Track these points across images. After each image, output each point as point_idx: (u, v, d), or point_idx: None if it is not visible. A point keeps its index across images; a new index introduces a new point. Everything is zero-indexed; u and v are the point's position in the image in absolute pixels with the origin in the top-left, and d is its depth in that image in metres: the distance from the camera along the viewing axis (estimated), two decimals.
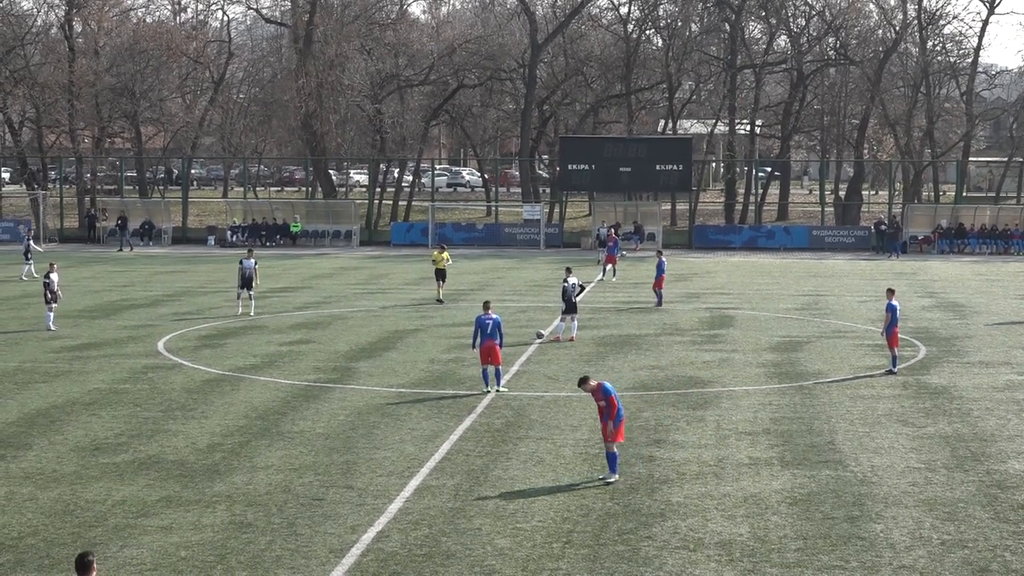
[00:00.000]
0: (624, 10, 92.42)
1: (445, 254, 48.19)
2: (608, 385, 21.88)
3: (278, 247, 75.89)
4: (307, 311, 44.44)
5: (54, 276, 40.05)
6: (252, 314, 43.22)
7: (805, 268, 64.60)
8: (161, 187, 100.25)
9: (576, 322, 38.04)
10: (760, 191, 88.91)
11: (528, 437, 24.86)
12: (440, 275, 47.39)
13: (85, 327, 40.19)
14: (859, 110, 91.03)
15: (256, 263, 43.99)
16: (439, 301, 46.85)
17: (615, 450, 21.69)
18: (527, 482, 21.56)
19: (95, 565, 12.88)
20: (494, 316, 29.39)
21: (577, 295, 38.32)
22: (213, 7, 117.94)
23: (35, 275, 54.98)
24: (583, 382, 21.98)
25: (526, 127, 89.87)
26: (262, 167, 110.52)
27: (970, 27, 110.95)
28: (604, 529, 19.00)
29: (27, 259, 56.16)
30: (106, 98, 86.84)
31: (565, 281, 38.00)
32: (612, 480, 21.44)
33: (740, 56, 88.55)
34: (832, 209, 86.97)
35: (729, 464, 22.83)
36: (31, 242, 58.15)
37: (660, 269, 47.21)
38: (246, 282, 43.33)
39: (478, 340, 29.14)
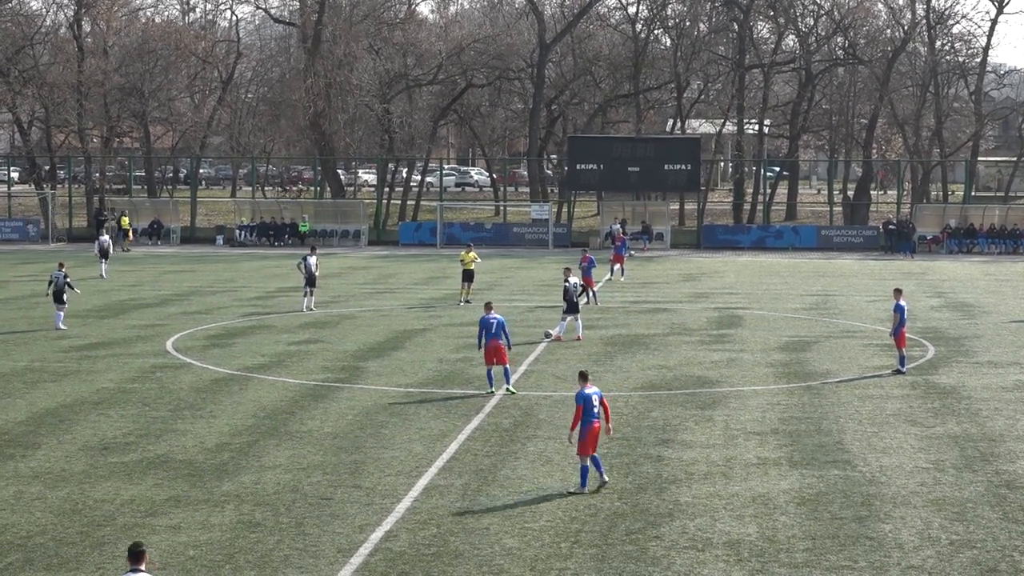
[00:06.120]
0: (632, 10, 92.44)
1: (472, 253, 47.85)
2: (584, 392, 21.05)
3: (286, 247, 75.92)
4: (315, 310, 44.46)
5: (60, 275, 40.12)
6: (313, 308, 44.20)
7: (814, 268, 64.54)
8: (169, 187, 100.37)
9: (580, 321, 38.04)
10: (768, 191, 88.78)
11: (536, 437, 24.86)
12: (468, 276, 46.79)
13: (94, 326, 40.25)
14: (868, 110, 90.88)
15: (317, 260, 45.00)
16: (466, 302, 46.13)
17: (583, 463, 20.95)
18: (535, 482, 21.56)
19: (147, 555, 13.21)
20: (497, 316, 29.45)
21: (579, 295, 38.43)
22: (222, 7, 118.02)
23: (104, 277, 55.47)
24: (583, 378, 21.57)
25: (534, 127, 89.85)
26: (270, 167, 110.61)
27: (979, 26, 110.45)
28: (612, 529, 18.99)
29: (103, 259, 56.74)
30: (115, 98, 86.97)
31: (566, 281, 38.12)
32: (573, 491, 20.85)
33: (748, 56, 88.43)
34: (841, 209, 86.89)
35: (737, 464, 22.81)
36: (106, 237, 58.67)
37: (588, 271, 45.91)
38: (310, 279, 44.25)
39: (483, 340, 29.18)
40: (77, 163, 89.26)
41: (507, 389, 29.13)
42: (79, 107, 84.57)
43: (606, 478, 21.25)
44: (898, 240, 74.02)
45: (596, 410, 21.05)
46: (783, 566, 17.42)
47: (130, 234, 74.55)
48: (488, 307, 29.86)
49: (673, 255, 73.15)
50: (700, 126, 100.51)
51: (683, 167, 75.62)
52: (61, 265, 41.25)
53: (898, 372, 32.10)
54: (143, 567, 13.00)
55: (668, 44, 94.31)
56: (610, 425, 21.59)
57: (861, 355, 35.24)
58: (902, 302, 32.46)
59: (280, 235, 78.22)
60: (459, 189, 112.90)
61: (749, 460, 23.09)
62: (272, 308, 45.56)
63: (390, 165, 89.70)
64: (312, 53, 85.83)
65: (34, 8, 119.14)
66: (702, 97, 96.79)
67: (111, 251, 58.48)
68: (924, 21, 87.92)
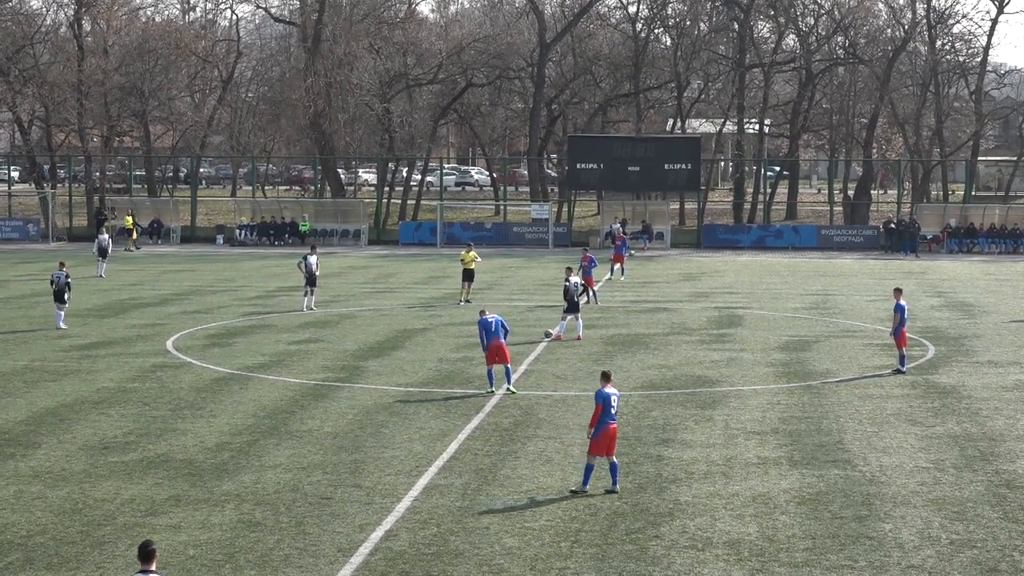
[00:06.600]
0: (632, 9, 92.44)
1: (473, 253, 47.83)
2: (604, 391, 20.90)
3: (286, 246, 75.92)
4: (316, 310, 44.45)
5: (61, 274, 40.09)
6: (314, 308, 44.18)
7: (814, 267, 64.54)
8: (170, 186, 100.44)
9: (580, 321, 38.03)
10: (769, 190, 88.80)
11: (536, 436, 24.87)
12: (468, 275, 46.70)
13: (94, 326, 40.24)
14: (868, 109, 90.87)
15: (317, 259, 44.92)
16: (467, 301, 45.90)
17: (590, 461, 20.90)
18: (535, 481, 21.56)
19: (157, 554, 13.24)
20: (495, 316, 29.48)
21: (580, 295, 38.47)
22: (222, 6, 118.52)
23: (102, 276, 55.57)
24: (605, 378, 21.35)
25: (534, 126, 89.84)
26: (271, 166, 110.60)
27: (979, 26, 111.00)
28: (612, 528, 18.99)
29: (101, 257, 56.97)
30: (115, 97, 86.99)
31: (567, 280, 38.14)
32: (574, 489, 20.78)
33: (749, 55, 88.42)
34: (841, 208, 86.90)
35: (737, 463, 22.81)
36: (105, 236, 58.81)
37: (588, 270, 45.54)
38: (311, 279, 44.22)
39: (485, 341, 29.18)
40: (77, 162, 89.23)
41: (507, 389, 29.14)
42: (79, 106, 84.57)
43: (617, 488, 20.87)
44: (900, 240, 74.02)
45: (614, 411, 20.91)
46: (783, 565, 17.42)
47: (135, 233, 74.55)
48: (483, 313, 29.92)
49: (673, 255, 73.15)
50: (700, 126, 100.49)
51: (683, 167, 75.64)
52: (62, 264, 41.21)
53: (898, 372, 32.10)
54: (153, 567, 12.97)
55: (668, 43, 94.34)
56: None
57: (861, 355, 35.25)
58: (902, 301, 32.47)
59: (280, 234, 78.22)
60: (459, 189, 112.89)
61: (749, 460, 23.09)
62: (272, 307, 45.55)
63: (390, 164, 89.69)
64: (312, 52, 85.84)
65: (34, 7, 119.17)
66: (702, 97, 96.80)
67: (110, 250, 58.53)
68: (924, 21, 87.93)
